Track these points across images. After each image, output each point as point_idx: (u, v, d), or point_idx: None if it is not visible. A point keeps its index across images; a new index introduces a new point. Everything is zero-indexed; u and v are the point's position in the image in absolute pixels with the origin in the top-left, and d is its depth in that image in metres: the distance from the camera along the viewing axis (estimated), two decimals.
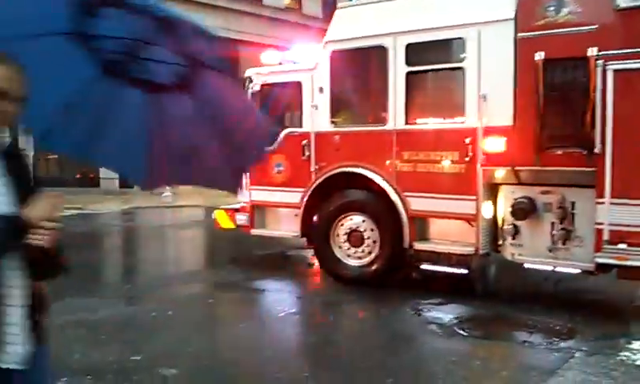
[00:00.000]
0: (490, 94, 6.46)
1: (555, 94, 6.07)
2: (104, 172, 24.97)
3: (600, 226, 5.86)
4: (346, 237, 7.63)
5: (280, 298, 7.34)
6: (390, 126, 7.17)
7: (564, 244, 6.32)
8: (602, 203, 5.81)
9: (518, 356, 5.15)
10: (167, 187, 20.04)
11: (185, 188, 21.53)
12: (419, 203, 7.05)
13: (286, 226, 8.36)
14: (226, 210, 9.15)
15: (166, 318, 6.40)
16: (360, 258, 7.55)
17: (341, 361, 5.12)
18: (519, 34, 6.28)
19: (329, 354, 5.26)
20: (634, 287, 6.92)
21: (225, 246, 10.88)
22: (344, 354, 5.30)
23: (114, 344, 5.55)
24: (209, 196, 20.60)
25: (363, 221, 7.49)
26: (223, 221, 9.12)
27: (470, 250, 6.74)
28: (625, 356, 4.94)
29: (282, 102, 9.21)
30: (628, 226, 5.70)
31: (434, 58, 7.10)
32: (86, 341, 5.65)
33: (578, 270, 6.44)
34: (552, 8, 6.04)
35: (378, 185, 7.27)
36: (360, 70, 7.81)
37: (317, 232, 7.88)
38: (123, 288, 8.15)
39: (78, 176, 24.69)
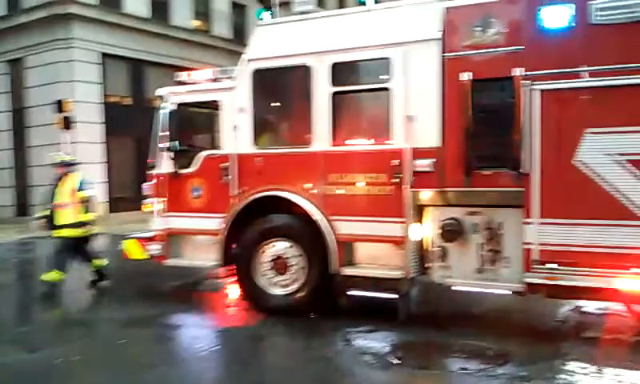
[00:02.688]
0: (418, 115, 6.36)
1: (483, 115, 6.04)
2: None
3: (529, 246, 5.84)
4: (270, 264, 7.23)
5: (200, 333, 6.78)
6: (315, 147, 6.90)
7: (492, 265, 6.28)
8: (531, 223, 5.80)
9: None
10: None
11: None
12: (347, 227, 6.80)
13: (204, 255, 7.82)
14: (137, 238, 8.49)
15: (72, 365, 5.72)
16: (286, 285, 7.17)
17: None
18: (445, 54, 6.22)
19: None
20: (556, 305, 7.01)
21: (134, 278, 10.13)
22: None
23: None
24: (116, 223, 19.54)
25: (289, 246, 7.13)
26: (133, 251, 8.45)
27: (398, 273, 6.55)
28: (563, 379, 4.88)
29: (198, 122, 8.77)
30: (556, 245, 5.71)
31: (360, 79, 6.95)
32: None
33: (508, 291, 6.42)
34: (479, 28, 6.04)
35: (304, 209, 6.96)
36: (283, 90, 7.51)
37: (239, 260, 7.42)
38: (20, 331, 7.28)
39: None
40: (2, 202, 22.98)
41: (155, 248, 8.08)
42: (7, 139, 22.82)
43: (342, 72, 6.78)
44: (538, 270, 5.80)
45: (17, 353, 6.15)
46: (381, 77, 6.61)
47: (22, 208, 22.34)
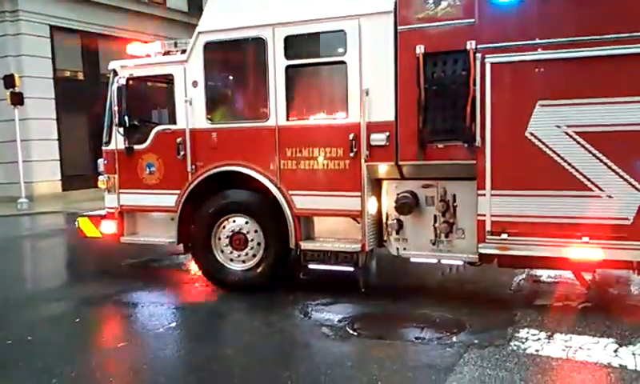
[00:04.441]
0: (372, 89, 6.34)
1: (436, 88, 6.06)
2: None
3: (482, 218, 5.94)
4: (228, 240, 7.19)
5: (157, 311, 6.72)
6: (271, 122, 6.82)
7: (447, 237, 6.39)
8: (484, 195, 5.89)
9: (414, 354, 5.03)
10: (23, 193, 18.29)
11: (43, 193, 19.83)
12: (304, 201, 6.79)
13: (160, 232, 7.73)
14: (91, 216, 8.34)
15: (24, 346, 5.59)
16: (244, 261, 7.15)
17: (232, 378, 4.70)
18: (399, 27, 6.19)
19: (217, 370, 4.82)
20: (511, 275, 7.20)
21: (90, 256, 9.95)
22: (235, 369, 4.88)
23: None
24: (70, 201, 19.11)
25: (246, 222, 7.10)
26: (87, 229, 8.29)
27: (356, 246, 6.59)
28: (515, 346, 5.01)
29: (151, 96, 8.59)
30: (509, 216, 5.82)
31: (315, 52, 6.88)
32: None
33: (461, 262, 6.54)
34: (431, 1, 6.00)
35: (261, 184, 6.91)
36: (237, 63, 7.39)
37: (196, 237, 7.35)
38: None
39: None
40: None
41: (109, 226, 7.93)
42: None
43: (296, 45, 6.69)
44: (491, 241, 5.91)
45: None
46: (336, 50, 6.56)
47: None
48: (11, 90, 18.00)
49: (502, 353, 4.85)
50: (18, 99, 18.11)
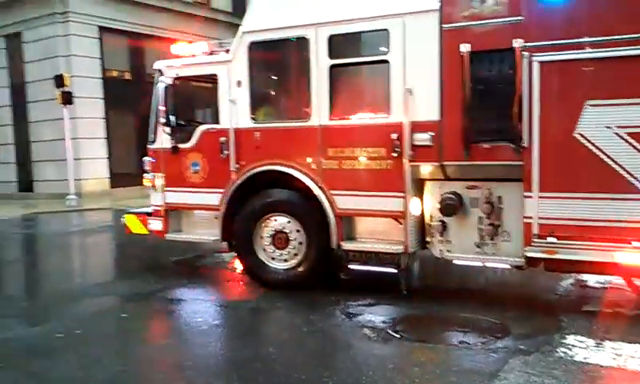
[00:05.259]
0: (416, 88, 6.28)
1: (482, 87, 5.96)
2: (0, 175, 23.20)
3: (529, 220, 5.80)
4: (270, 239, 7.24)
5: (200, 308, 6.82)
6: (313, 121, 6.83)
7: (492, 239, 6.26)
8: (531, 197, 5.76)
9: (457, 359, 4.95)
10: (72, 190, 18.84)
11: (91, 190, 20.38)
12: (346, 201, 6.77)
13: (204, 230, 7.84)
14: (137, 214, 8.52)
15: (74, 339, 5.76)
16: (286, 260, 7.19)
17: (274, 376, 4.72)
18: (444, 26, 6.11)
19: (260, 368, 4.85)
20: (557, 279, 7.02)
21: (136, 253, 10.16)
22: (277, 367, 4.89)
23: (14, 373, 4.88)
24: (117, 198, 19.58)
25: (288, 221, 7.13)
26: (134, 226, 8.48)
27: (398, 248, 6.53)
28: (562, 352, 4.87)
29: (196, 96, 8.71)
30: (557, 219, 5.67)
31: (358, 51, 6.85)
32: None
33: (507, 265, 6.42)
34: None
35: (303, 183, 6.93)
36: (281, 63, 7.43)
37: (239, 235, 7.43)
38: (22, 305, 7.33)
39: None
40: (5, 178, 23.04)
41: (155, 223, 8.09)
42: (8, 115, 22.76)
43: (339, 44, 6.68)
44: (538, 244, 5.77)
45: (18, 327, 6.21)
46: (379, 49, 6.52)
47: (25, 184, 22.40)
48: (61, 89, 18.55)
49: (549, 359, 4.72)
50: (67, 98, 18.64)
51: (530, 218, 5.78)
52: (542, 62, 5.57)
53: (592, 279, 6.99)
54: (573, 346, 5.01)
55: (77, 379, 4.77)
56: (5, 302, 7.77)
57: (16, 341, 5.75)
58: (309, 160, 6.89)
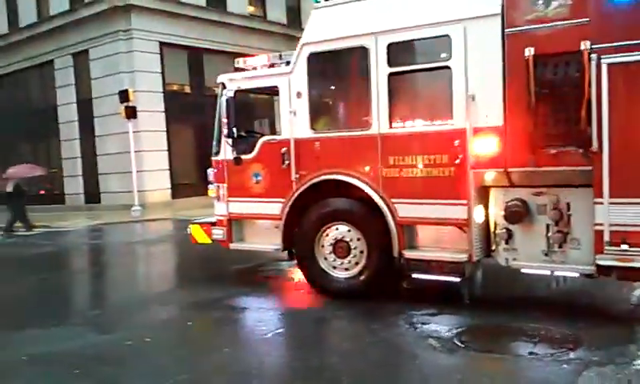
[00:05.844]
0: (479, 94, 6.17)
1: (547, 91, 5.80)
2: (69, 187, 24.25)
3: (599, 227, 5.60)
4: (331, 248, 7.26)
5: (264, 316, 6.90)
6: (373, 130, 6.82)
7: (560, 247, 6.07)
8: (601, 203, 5.56)
9: (527, 370, 4.82)
10: (136, 201, 19.46)
11: (154, 201, 20.99)
12: (407, 210, 6.72)
13: (266, 239, 7.93)
14: (202, 223, 8.71)
15: (143, 347, 5.94)
16: (347, 269, 7.19)
17: None
18: (507, 30, 5.99)
19: (327, 377, 4.86)
20: (629, 288, 6.74)
21: (199, 261, 10.39)
22: (342, 377, 4.89)
23: (87, 380, 5.07)
24: (178, 208, 20.09)
25: (349, 230, 7.13)
26: (199, 235, 8.67)
27: (462, 256, 6.42)
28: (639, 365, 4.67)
29: (256, 107, 8.85)
30: (630, 225, 5.45)
31: (418, 58, 6.80)
32: (54, 378, 5.15)
33: (577, 274, 6.21)
34: (541, 1, 5.77)
35: (364, 192, 6.92)
36: (340, 73, 7.46)
37: (300, 244, 7.48)
38: (92, 314, 7.60)
39: (41, 192, 23.76)
40: (73, 190, 24.03)
41: (219, 232, 8.25)
42: (75, 129, 23.76)
43: (398, 52, 6.66)
44: (610, 252, 5.56)
45: (90, 335, 6.43)
46: (440, 55, 6.45)
47: (91, 196, 23.28)
48: (125, 104, 19.24)
49: (625, 372, 4.53)
50: (131, 113, 19.33)
51: (601, 224, 5.58)
52: (610, 64, 5.39)
53: None
54: None
55: None
56: (75, 310, 8.10)
57: (88, 348, 5.97)
58: (369, 168, 6.87)
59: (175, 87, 22.91)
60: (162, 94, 22.00)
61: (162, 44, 21.88)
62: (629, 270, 5.58)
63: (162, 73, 22.06)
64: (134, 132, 19.73)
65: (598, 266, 5.69)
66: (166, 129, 21.99)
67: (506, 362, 5.04)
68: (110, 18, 21.27)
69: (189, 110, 21.87)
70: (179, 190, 21.96)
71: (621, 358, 4.83)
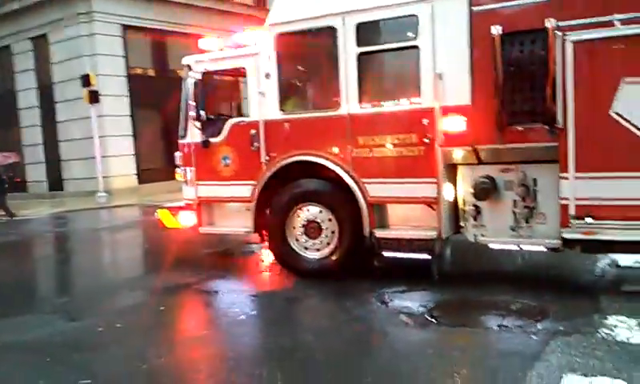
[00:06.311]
0: (447, 72, 6.24)
1: (514, 69, 5.89)
2: (31, 174, 23.65)
3: (565, 201, 5.75)
4: (302, 229, 7.28)
5: (236, 299, 6.89)
6: (342, 110, 6.83)
7: (527, 222, 6.21)
8: (566, 178, 5.70)
9: (497, 342, 4.93)
10: (101, 187, 19.12)
11: (120, 187, 20.66)
12: (378, 189, 6.78)
13: (236, 222, 7.90)
14: (170, 208, 8.63)
15: (114, 332, 5.86)
16: (319, 249, 7.22)
17: (314, 364, 4.77)
18: (474, 8, 6.06)
19: (300, 357, 4.89)
20: (593, 260, 6.94)
21: (168, 247, 10.27)
22: (316, 355, 4.94)
23: (60, 368, 5.00)
24: (145, 194, 19.83)
25: (320, 211, 7.15)
26: (167, 220, 8.58)
27: (432, 234, 6.52)
28: (604, 333, 4.82)
29: (225, 89, 8.75)
30: (594, 199, 5.61)
31: (387, 37, 6.81)
32: (27, 367, 5.06)
33: (543, 248, 6.36)
34: None
35: (334, 172, 6.94)
36: (308, 53, 7.42)
37: (271, 226, 7.48)
38: (60, 301, 7.46)
39: (17, 180, 23.09)
40: (36, 178, 23.47)
41: (188, 217, 8.18)
42: (37, 115, 23.15)
43: (367, 32, 6.67)
44: (575, 225, 5.72)
45: (59, 322, 6.31)
46: (408, 35, 6.48)
47: (55, 183, 22.79)
48: (87, 88, 18.81)
49: (591, 340, 4.67)
50: (94, 97, 18.92)
51: (567, 199, 5.73)
52: (575, 41, 5.50)
53: (629, 259, 6.88)
54: (614, 326, 4.96)
55: (121, 371, 4.86)
56: (42, 298, 7.95)
57: (58, 336, 5.87)
58: (339, 149, 6.89)
59: (139, 71, 22.47)
60: (126, 78, 21.57)
61: (124, 26, 21.41)
62: (593, 243, 5.74)
63: (126, 56, 21.61)
64: (97, 117, 19.33)
65: (563, 239, 5.85)
66: (130, 113, 21.60)
67: (477, 335, 5.14)
68: (70, 0, 20.69)
69: (154, 94, 21.47)
70: (146, 175, 21.64)
71: (587, 327, 4.98)
